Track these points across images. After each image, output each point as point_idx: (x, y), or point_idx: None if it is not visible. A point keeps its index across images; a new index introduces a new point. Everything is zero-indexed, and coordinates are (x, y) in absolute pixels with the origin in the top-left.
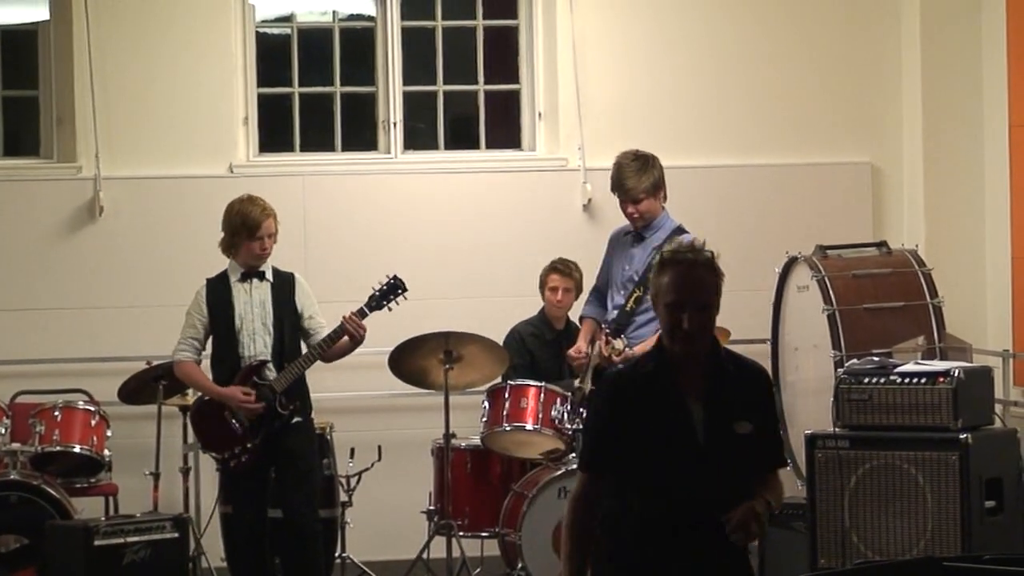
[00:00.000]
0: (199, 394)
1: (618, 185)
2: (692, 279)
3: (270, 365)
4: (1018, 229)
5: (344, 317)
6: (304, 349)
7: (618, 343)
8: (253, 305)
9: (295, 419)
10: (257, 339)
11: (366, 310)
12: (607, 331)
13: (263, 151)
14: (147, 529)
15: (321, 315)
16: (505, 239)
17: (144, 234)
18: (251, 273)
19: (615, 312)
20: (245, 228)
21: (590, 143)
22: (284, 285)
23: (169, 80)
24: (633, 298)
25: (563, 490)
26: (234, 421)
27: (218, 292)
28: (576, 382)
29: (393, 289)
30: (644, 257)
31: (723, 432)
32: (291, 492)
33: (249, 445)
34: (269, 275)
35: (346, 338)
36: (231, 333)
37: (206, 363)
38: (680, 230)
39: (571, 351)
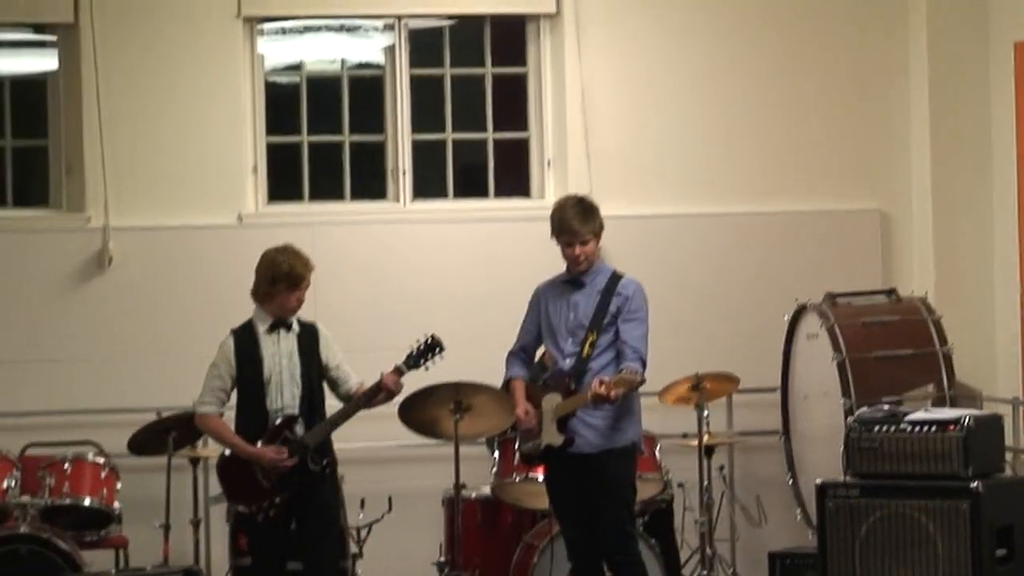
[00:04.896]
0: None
1: (566, 228)
2: None
3: (300, 420)
4: None
5: (384, 375)
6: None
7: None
8: (281, 356)
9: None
10: (285, 391)
11: (403, 368)
12: (568, 379)
13: (272, 200)
14: None
15: (347, 363)
16: (515, 288)
17: (153, 284)
18: (279, 323)
19: (571, 360)
20: (288, 279)
21: (599, 191)
22: (309, 336)
23: (178, 129)
24: (588, 343)
25: None
26: (261, 476)
27: (246, 343)
28: (529, 444)
29: (431, 348)
30: (590, 301)
31: None
32: (315, 544)
33: (277, 500)
34: (295, 326)
35: (383, 394)
36: (259, 385)
37: (228, 415)
38: (616, 275)
39: (519, 413)
